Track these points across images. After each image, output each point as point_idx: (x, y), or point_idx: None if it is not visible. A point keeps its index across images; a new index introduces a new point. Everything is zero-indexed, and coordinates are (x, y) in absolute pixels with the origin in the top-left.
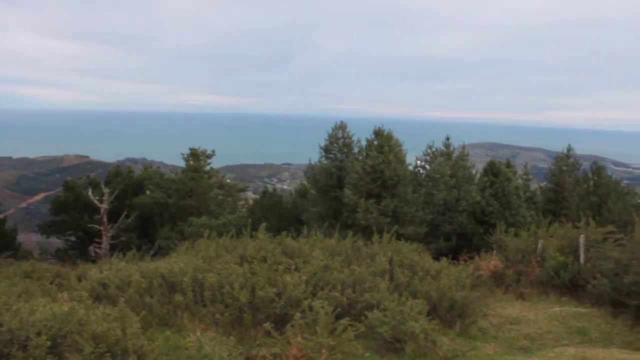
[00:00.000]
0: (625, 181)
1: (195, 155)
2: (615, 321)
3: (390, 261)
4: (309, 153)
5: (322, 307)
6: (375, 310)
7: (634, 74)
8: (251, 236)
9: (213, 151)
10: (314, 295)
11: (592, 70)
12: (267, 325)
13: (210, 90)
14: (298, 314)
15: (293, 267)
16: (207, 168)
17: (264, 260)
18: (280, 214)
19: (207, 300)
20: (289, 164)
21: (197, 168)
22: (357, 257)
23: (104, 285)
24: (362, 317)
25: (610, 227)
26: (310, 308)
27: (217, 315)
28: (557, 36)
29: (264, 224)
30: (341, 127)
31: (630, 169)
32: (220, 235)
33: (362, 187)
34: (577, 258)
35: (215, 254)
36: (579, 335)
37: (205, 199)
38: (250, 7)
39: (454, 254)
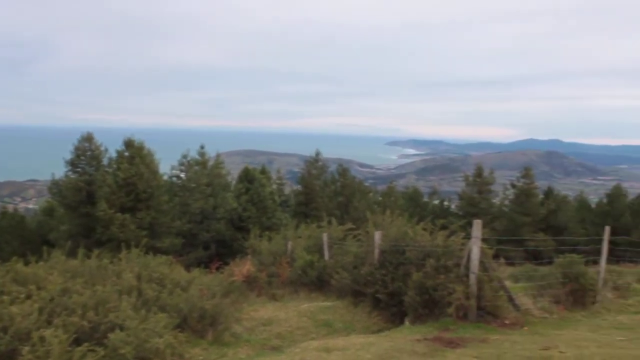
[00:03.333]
0: (370, 181)
1: None
2: (356, 310)
3: (138, 277)
4: (58, 167)
5: (56, 336)
6: (117, 331)
7: (376, 83)
8: None
9: None
10: (49, 323)
11: (340, 80)
12: None
13: None
14: (27, 348)
15: (23, 295)
16: None
17: None
18: (23, 236)
19: None
20: (34, 181)
21: None
22: (103, 276)
23: None
24: (106, 340)
25: (349, 225)
26: (43, 339)
27: None
28: (311, 47)
29: None
30: (88, 138)
31: (374, 170)
32: None
33: (115, 200)
34: (322, 255)
35: None
36: (325, 328)
37: None
38: None
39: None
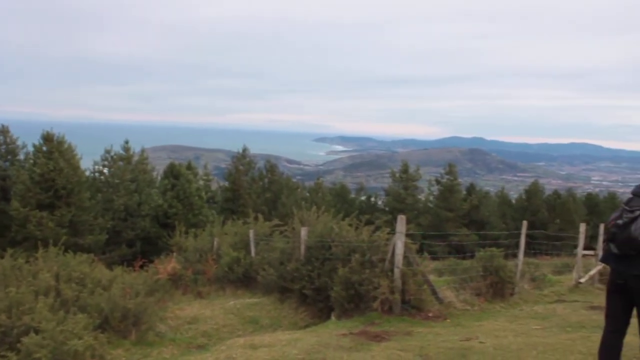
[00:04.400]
0: (298, 177)
1: None
2: (283, 306)
3: (57, 277)
4: None
5: None
6: (32, 334)
7: (304, 80)
8: None
9: None
10: None
11: (269, 76)
12: None
13: None
14: None
15: None
16: None
17: None
18: None
19: None
20: None
21: None
22: (17, 276)
23: None
24: (19, 344)
25: (276, 221)
26: None
27: None
28: (238, 43)
29: None
30: (3, 131)
31: (302, 166)
32: None
33: (31, 197)
34: (248, 252)
35: None
36: (251, 325)
37: None
38: None
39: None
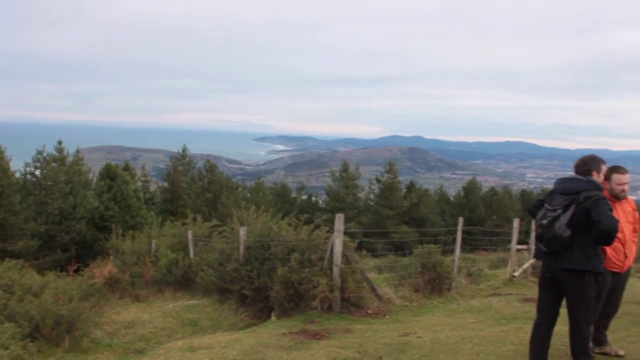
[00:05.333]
0: (239, 177)
1: None
2: (223, 307)
3: None
4: None
5: None
6: None
7: (245, 80)
8: None
9: None
10: None
11: (209, 76)
12: None
13: None
14: None
15: None
16: None
17: None
18: None
19: None
20: None
21: None
22: None
23: None
24: None
25: (215, 221)
26: None
27: None
28: (179, 42)
29: None
30: None
31: (243, 166)
32: None
33: None
34: (187, 253)
35: None
36: (191, 327)
37: None
38: None
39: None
